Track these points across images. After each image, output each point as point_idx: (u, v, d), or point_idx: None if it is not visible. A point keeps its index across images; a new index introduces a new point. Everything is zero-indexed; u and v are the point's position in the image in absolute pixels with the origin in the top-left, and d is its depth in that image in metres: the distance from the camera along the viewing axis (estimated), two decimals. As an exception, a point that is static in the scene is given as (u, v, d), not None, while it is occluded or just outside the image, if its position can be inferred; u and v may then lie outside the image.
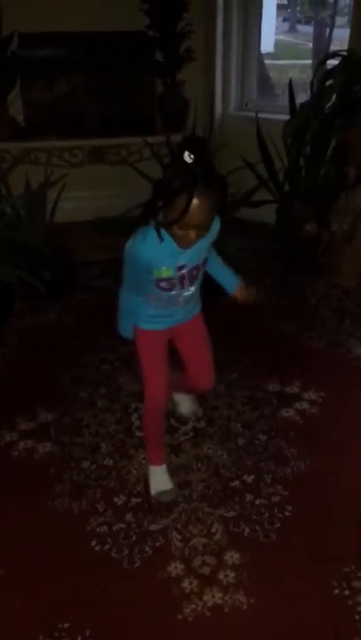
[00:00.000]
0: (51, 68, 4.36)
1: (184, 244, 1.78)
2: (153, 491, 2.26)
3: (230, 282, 2.17)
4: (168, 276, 1.89)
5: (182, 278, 1.92)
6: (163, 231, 1.76)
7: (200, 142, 1.69)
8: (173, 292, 1.95)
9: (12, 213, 3.47)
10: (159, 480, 2.28)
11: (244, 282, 2.19)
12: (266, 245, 3.89)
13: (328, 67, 3.65)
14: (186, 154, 1.60)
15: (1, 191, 3.53)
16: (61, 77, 4.42)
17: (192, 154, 1.60)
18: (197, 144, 1.65)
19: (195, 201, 1.62)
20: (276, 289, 3.67)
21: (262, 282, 3.70)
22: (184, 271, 1.90)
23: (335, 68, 3.54)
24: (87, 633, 1.75)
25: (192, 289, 2.01)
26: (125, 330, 2.13)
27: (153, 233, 1.77)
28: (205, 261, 1.98)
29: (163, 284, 1.91)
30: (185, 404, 2.65)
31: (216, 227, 1.89)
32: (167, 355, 2.14)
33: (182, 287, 1.95)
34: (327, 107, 3.53)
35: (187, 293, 2.00)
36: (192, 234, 1.73)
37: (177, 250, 1.81)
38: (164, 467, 2.30)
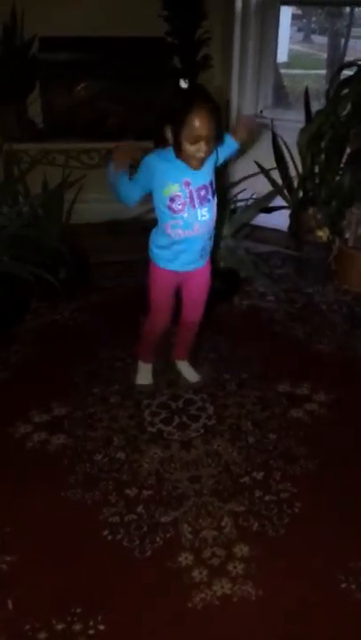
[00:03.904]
0: (70, 72, 4.41)
1: (196, 162, 2.03)
2: (137, 381, 2.79)
3: (226, 143, 2.25)
4: (177, 192, 2.10)
5: (191, 197, 2.11)
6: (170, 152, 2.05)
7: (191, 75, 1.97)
8: (186, 215, 2.14)
9: (30, 212, 3.53)
10: (144, 375, 2.80)
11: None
12: (279, 250, 3.93)
13: (343, 76, 3.72)
14: (181, 81, 1.93)
15: (19, 191, 3.60)
16: (80, 81, 4.48)
17: (186, 80, 1.94)
18: (189, 75, 1.92)
19: (197, 113, 1.89)
20: (287, 294, 3.71)
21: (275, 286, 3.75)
22: (191, 188, 2.11)
23: (352, 77, 3.59)
24: (99, 618, 1.79)
25: (205, 213, 2.18)
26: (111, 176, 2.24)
27: (166, 150, 2.06)
28: (212, 184, 2.17)
29: (175, 205, 2.11)
30: (187, 371, 2.86)
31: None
32: (173, 294, 2.43)
33: (193, 207, 2.13)
34: (342, 115, 3.58)
35: (202, 218, 2.18)
36: (203, 147, 1.97)
37: (184, 167, 2.06)
38: (150, 365, 2.80)
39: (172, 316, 2.53)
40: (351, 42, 5.73)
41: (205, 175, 2.12)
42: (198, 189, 2.11)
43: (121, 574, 1.95)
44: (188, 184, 2.09)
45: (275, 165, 3.97)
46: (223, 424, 2.62)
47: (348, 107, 3.59)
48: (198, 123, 1.90)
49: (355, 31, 5.62)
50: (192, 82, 1.94)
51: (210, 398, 2.78)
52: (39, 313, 3.47)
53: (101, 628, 1.78)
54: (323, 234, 3.72)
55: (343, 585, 1.91)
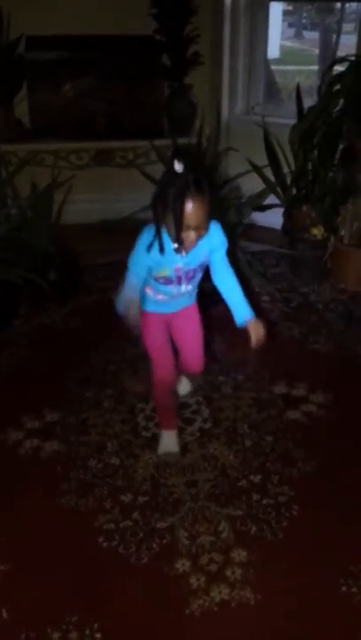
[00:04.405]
0: (57, 71, 4.38)
1: (185, 248, 1.96)
2: (160, 450, 2.43)
3: (241, 312, 2.12)
4: (166, 275, 2.05)
5: (179, 277, 2.08)
6: (164, 236, 1.94)
7: (188, 152, 1.85)
8: (171, 287, 2.11)
9: (19, 215, 3.49)
10: (167, 442, 2.45)
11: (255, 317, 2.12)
12: (273, 249, 3.90)
13: (335, 72, 3.69)
14: (175, 163, 1.80)
15: (8, 193, 3.55)
16: (68, 80, 4.44)
17: (180, 162, 1.79)
18: (186, 154, 1.89)
19: (189, 204, 1.80)
20: (282, 293, 3.68)
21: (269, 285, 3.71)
22: (180, 272, 2.06)
23: (343, 72, 3.57)
24: (95, 626, 1.76)
25: (189, 288, 2.17)
26: (121, 305, 2.17)
27: (156, 243, 1.95)
28: (202, 265, 2.11)
29: (161, 280, 2.08)
30: (182, 383, 2.74)
31: (217, 235, 2.04)
32: (169, 338, 2.30)
33: (179, 284, 2.10)
34: (335, 111, 3.55)
35: (184, 290, 2.15)
36: (192, 235, 1.89)
37: (176, 254, 1.99)
38: (173, 432, 2.47)
39: (174, 366, 2.34)
40: (343, 37, 5.68)
41: (198, 258, 2.05)
42: (188, 272, 2.08)
43: (117, 581, 1.91)
44: (178, 269, 2.05)
45: (267, 163, 3.93)
46: (219, 427, 2.59)
47: (341, 103, 3.56)
48: (188, 213, 1.82)
49: (346, 27, 5.58)
50: (187, 164, 1.81)
51: (205, 401, 2.74)
52: (30, 316, 3.43)
53: (98, 636, 1.74)
54: (317, 231, 3.69)
55: (343, 588, 1.88)
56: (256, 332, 2.09)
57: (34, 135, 4.44)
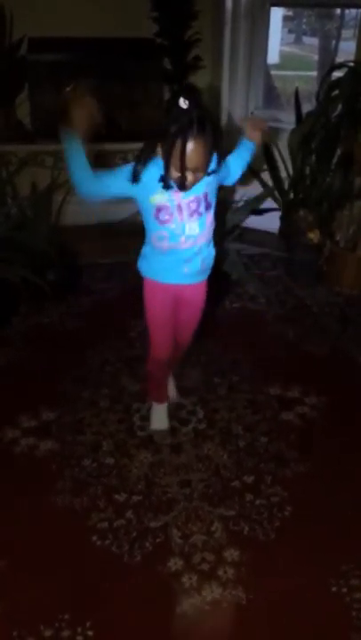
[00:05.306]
0: (59, 73, 4.38)
1: (183, 187, 1.87)
2: (151, 427, 2.52)
3: (242, 146, 2.16)
4: (164, 202, 1.94)
5: (180, 208, 1.95)
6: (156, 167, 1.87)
7: (194, 89, 1.81)
8: (173, 226, 1.98)
9: (19, 215, 3.50)
10: (158, 418, 2.53)
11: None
12: (269, 252, 3.92)
13: (333, 78, 3.71)
14: (181, 100, 1.72)
15: (8, 193, 3.57)
16: (69, 82, 4.45)
17: (186, 100, 1.71)
18: (191, 91, 1.76)
19: (190, 144, 1.74)
20: (278, 296, 3.70)
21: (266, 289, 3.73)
22: (181, 198, 1.94)
23: (342, 78, 3.59)
24: (87, 624, 1.77)
25: (195, 227, 2.01)
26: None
27: (155, 160, 1.88)
28: (207, 196, 1.99)
29: (162, 215, 1.96)
30: (169, 390, 2.72)
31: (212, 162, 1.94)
32: (171, 315, 2.23)
33: (181, 219, 1.97)
34: (333, 116, 3.58)
35: (189, 232, 2.01)
36: (190, 176, 1.82)
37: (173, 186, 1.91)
38: (164, 405, 2.51)
39: (173, 342, 2.33)
40: (342, 44, 5.72)
41: (199, 186, 1.94)
42: (189, 201, 1.95)
43: (110, 580, 1.93)
44: (177, 194, 1.93)
45: (266, 167, 3.96)
46: (213, 428, 2.60)
47: (339, 108, 3.58)
48: (189, 153, 1.75)
49: (345, 33, 5.62)
50: (192, 101, 1.73)
51: (200, 402, 2.75)
52: (28, 315, 3.44)
53: (90, 634, 1.76)
54: (314, 236, 3.71)
55: (334, 588, 1.90)
56: (256, 123, 2.14)
57: (34, 136, 4.45)
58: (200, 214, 1.99)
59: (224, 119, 4.65)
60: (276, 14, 5.77)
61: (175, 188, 1.90)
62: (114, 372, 2.96)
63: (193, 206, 1.96)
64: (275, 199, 4.01)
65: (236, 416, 2.67)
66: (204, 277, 2.21)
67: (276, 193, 3.98)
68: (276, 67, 6.62)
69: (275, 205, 4.03)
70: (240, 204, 3.59)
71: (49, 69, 4.31)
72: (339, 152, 3.64)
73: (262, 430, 2.59)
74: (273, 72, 5.88)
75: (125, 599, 1.87)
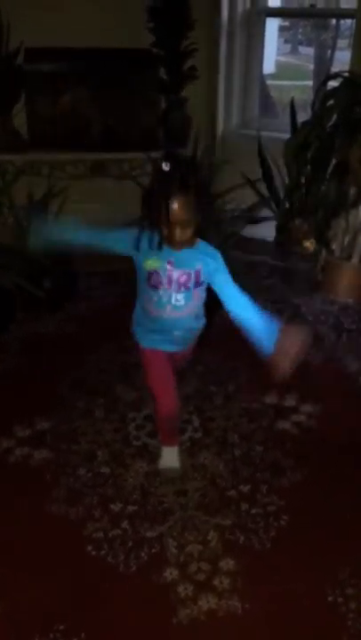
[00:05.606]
0: (56, 83, 4.40)
1: (173, 244, 1.96)
2: (161, 465, 2.40)
3: (271, 332, 2.15)
4: (157, 267, 2.03)
5: (170, 278, 2.04)
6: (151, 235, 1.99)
7: (175, 154, 1.92)
8: (160, 291, 2.06)
9: (15, 224, 3.51)
10: (168, 457, 2.41)
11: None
12: (265, 261, 3.93)
13: (329, 87, 3.73)
14: (163, 164, 1.87)
15: (4, 202, 3.57)
16: (66, 92, 4.46)
17: (168, 163, 1.87)
18: (172, 155, 1.95)
19: (174, 200, 1.85)
20: (273, 305, 3.70)
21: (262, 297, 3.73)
22: (172, 270, 2.03)
23: (337, 88, 3.60)
24: (82, 635, 1.76)
25: (180, 299, 2.09)
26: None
27: (144, 238, 2.00)
28: (198, 275, 2.06)
29: (152, 280, 2.05)
30: None
31: (205, 246, 2.08)
32: (171, 371, 2.27)
33: (169, 287, 2.05)
34: (328, 126, 3.59)
35: (175, 302, 2.09)
36: (177, 231, 1.91)
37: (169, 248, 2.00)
38: (175, 448, 2.43)
39: (178, 400, 2.32)
40: (338, 53, 5.76)
41: (192, 262, 2.04)
42: (180, 274, 2.04)
43: (105, 590, 1.92)
44: (171, 264, 2.02)
45: (261, 176, 3.97)
46: (209, 437, 2.60)
47: (334, 118, 3.59)
48: (173, 208, 1.86)
49: (341, 43, 5.65)
50: (174, 164, 1.88)
51: (196, 410, 2.75)
52: (23, 323, 3.44)
53: (85, 644, 1.75)
54: (309, 245, 3.72)
55: (330, 598, 1.89)
56: (297, 335, 2.14)
57: (31, 146, 4.46)
58: (188, 288, 2.08)
59: (220, 129, 4.67)
60: (272, 24, 5.80)
61: (170, 257, 2.01)
62: (109, 381, 2.95)
63: (182, 280, 2.06)
64: (270, 208, 4.01)
65: (232, 425, 2.67)
66: (193, 342, 2.36)
67: (271, 202, 3.99)
68: (273, 76, 6.66)
69: (270, 214, 4.03)
70: (236, 213, 3.59)
71: (46, 79, 4.33)
72: (334, 161, 3.64)
73: (258, 439, 2.59)
74: (269, 82, 5.91)
75: (121, 610, 1.86)
